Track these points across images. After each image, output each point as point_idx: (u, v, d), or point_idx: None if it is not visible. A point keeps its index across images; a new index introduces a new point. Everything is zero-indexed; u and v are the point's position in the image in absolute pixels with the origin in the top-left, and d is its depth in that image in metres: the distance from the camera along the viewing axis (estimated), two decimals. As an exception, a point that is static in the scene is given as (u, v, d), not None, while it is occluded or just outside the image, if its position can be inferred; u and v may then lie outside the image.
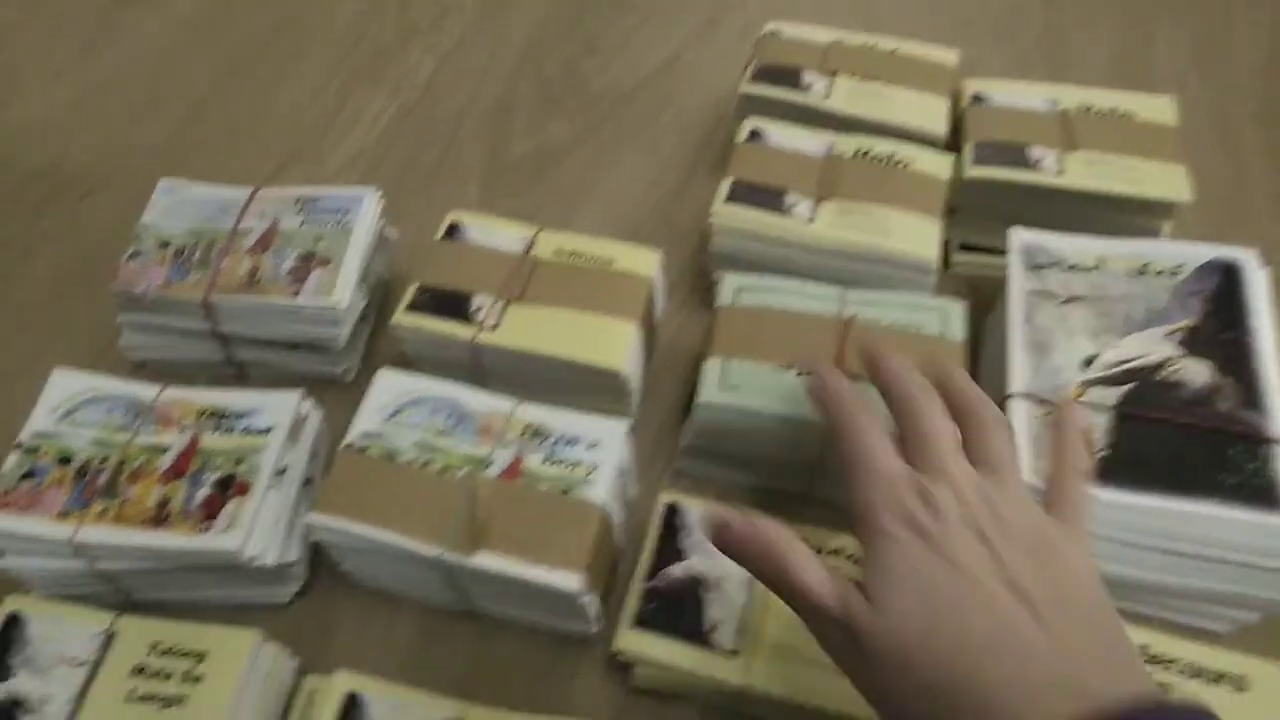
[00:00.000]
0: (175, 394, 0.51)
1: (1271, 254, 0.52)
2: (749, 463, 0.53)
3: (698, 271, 0.64)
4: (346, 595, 0.52)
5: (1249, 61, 0.77)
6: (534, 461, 0.47)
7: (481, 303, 0.54)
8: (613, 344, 0.52)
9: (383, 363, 0.60)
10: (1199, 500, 0.44)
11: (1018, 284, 0.54)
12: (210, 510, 0.46)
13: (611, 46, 0.82)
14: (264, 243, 0.56)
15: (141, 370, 0.59)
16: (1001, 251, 0.61)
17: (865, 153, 0.60)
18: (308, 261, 0.55)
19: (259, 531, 0.46)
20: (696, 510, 0.49)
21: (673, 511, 0.49)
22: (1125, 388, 0.49)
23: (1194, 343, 0.49)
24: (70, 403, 0.50)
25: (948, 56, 0.67)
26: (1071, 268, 0.54)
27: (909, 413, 0.40)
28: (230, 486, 0.47)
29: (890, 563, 0.35)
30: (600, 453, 0.48)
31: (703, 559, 0.47)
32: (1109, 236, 0.54)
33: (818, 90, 0.64)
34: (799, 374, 0.50)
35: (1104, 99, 0.63)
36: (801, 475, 0.53)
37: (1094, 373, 0.50)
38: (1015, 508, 0.37)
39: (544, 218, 0.59)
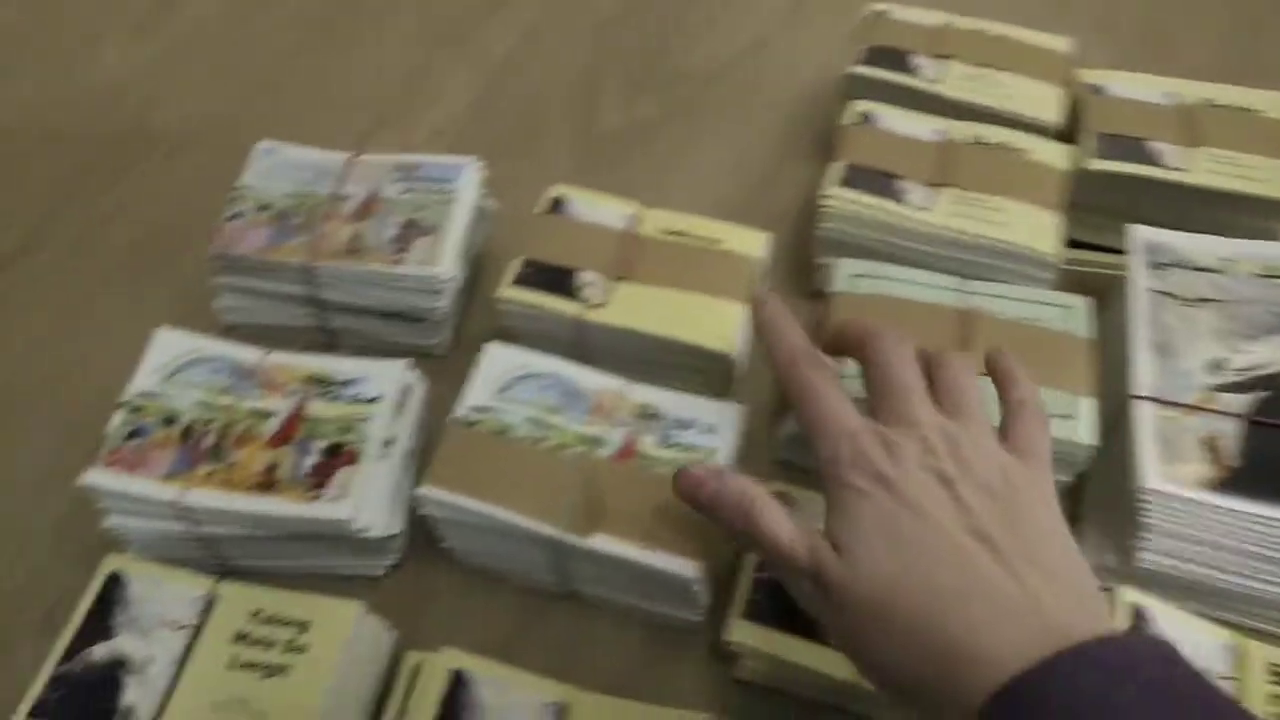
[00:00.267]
0: (279, 359, 0.50)
1: None
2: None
3: (792, 255, 0.62)
4: (441, 571, 0.50)
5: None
6: (648, 443, 0.46)
7: (588, 279, 0.53)
8: (722, 326, 0.51)
9: (473, 337, 0.59)
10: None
11: (1140, 283, 0.52)
12: (319, 478, 0.45)
13: (697, 24, 0.80)
14: (365, 209, 0.55)
15: (231, 334, 0.59)
16: (1106, 249, 0.60)
17: (981, 140, 0.58)
18: (410, 230, 0.54)
19: (368, 502, 0.45)
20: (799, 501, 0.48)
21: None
22: (1255, 395, 0.48)
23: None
24: (174, 363, 0.49)
25: (1059, 44, 0.65)
26: (1196, 268, 0.52)
27: (876, 364, 0.41)
28: (338, 455, 0.46)
29: (855, 514, 0.36)
30: (716, 438, 0.46)
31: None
32: (1225, 236, 0.53)
33: (928, 74, 0.63)
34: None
35: (1227, 94, 0.61)
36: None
37: (1222, 378, 0.48)
38: (979, 450, 0.37)
39: (635, 196, 0.57)
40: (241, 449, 0.46)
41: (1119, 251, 0.60)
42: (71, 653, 0.43)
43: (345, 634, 0.43)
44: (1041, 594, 0.33)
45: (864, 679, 0.37)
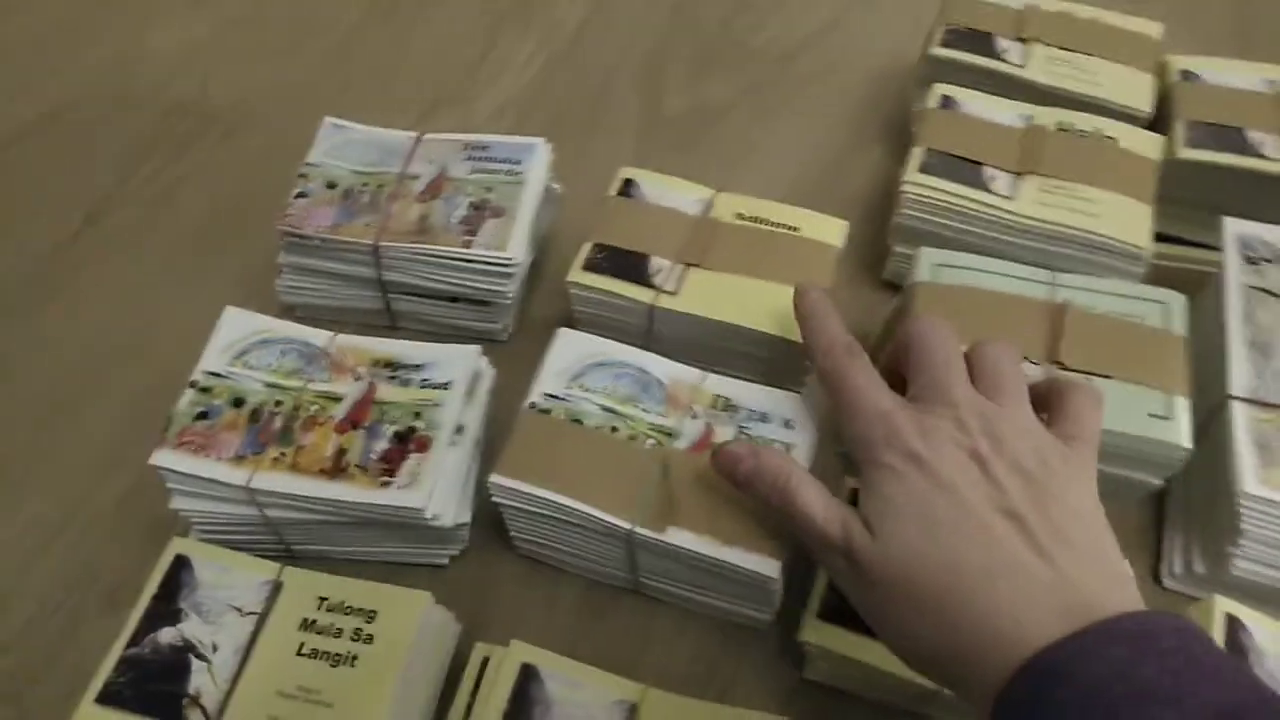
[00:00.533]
0: (348, 341, 0.49)
1: None
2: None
3: (866, 243, 0.60)
4: (504, 561, 0.50)
5: None
6: (725, 436, 0.45)
7: (660, 265, 0.51)
8: (799, 316, 0.49)
9: (534, 321, 0.58)
10: None
11: (1235, 279, 0.50)
12: (389, 465, 0.44)
13: (766, 6, 0.79)
14: (434, 189, 0.54)
15: (288, 315, 0.58)
16: (1193, 242, 0.58)
17: (1069, 127, 0.56)
18: (479, 211, 0.53)
19: (439, 490, 0.44)
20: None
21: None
22: (1360, 399, 0.45)
23: None
24: (243, 343, 0.48)
25: (1151, 28, 0.63)
26: (1296, 264, 0.50)
27: (915, 346, 0.41)
28: (409, 441, 0.45)
29: (887, 492, 0.36)
30: (794, 433, 0.45)
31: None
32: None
33: (1012, 57, 0.60)
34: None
35: (1330, 82, 0.58)
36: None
37: (1325, 381, 0.46)
38: (1014, 430, 0.37)
39: (704, 179, 0.56)
40: (310, 432, 0.45)
41: (1204, 245, 0.57)
42: (139, 636, 0.42)
43: (414, 624, 0.42)
44: (1070, 573, 0.33)
45: (905, 664, 0.37)
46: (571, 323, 0.53)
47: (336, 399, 0.46)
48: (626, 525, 0.42)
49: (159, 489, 0.46)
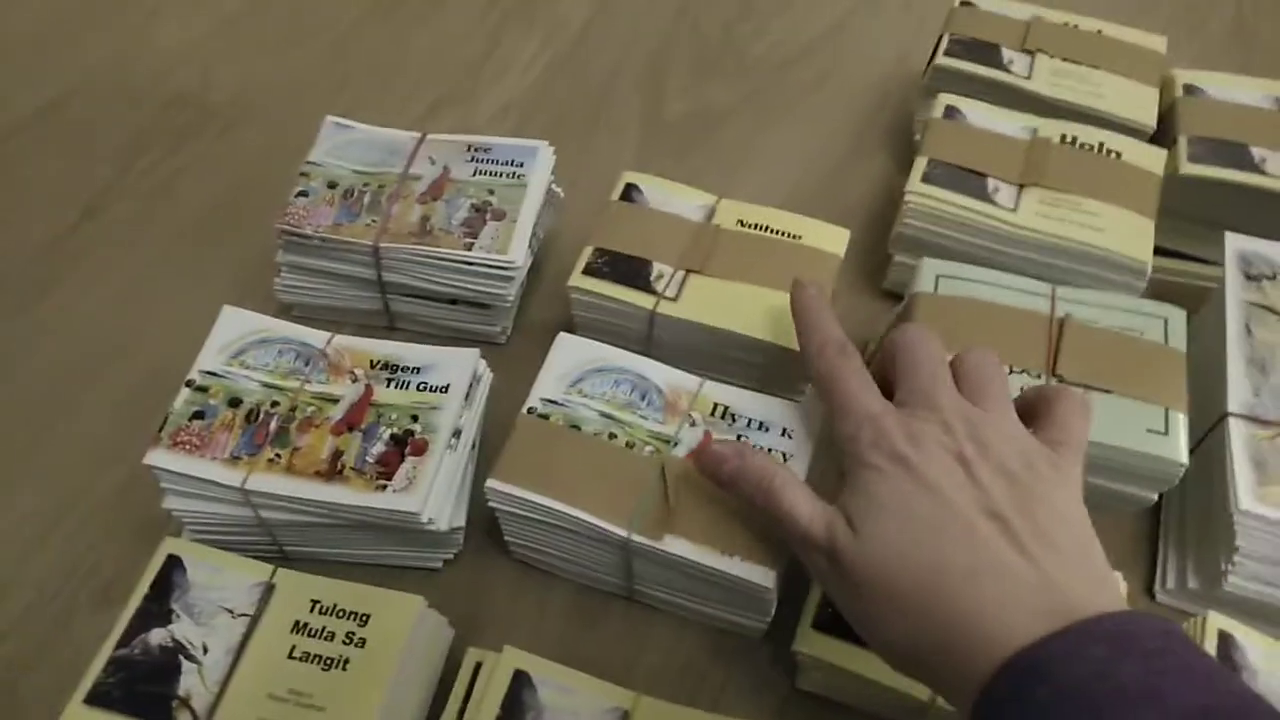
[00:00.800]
0: (345, 342, 0.48)
1: None
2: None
3: (867, 251, 0.60)
4: (497, 566, 0.49)
5: None
6: (723, 444, 0.44)
7: (661, 271, 0.51)
8: (800, 324, 0.49)
9: (531, 324, 0.58)
10: None
11: (1235, 294, 0.50)
12: (386, 468, 0.44)
13: (769, 10, 0.78)
14: (435, 190, 0.53)
15: (285, 314, 0.57)
16: (1194, 257, 0.58)
17: (1073, 139, 0.56)
18: (481, 213, 0.52)
19: (435, 494, 0.44)
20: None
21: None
22: (1361, 420, 0.45)
23: None
24: (240, 343, 0.48)
25: (1156, 41, 0.63)
26: (1297, 281, 0.50)
27: (903, 355, 0.41)
28: (406, 444, 0.44)
29: (872, 492, 0.37)
30: (793, 443, 0.45)
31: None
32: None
33: (1018, 69, 0.60)
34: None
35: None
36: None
37: (1324, 400, 0.46)
38: (999, 434, 0.38)
39: (704, 184, 0.56)
40: (307, 433, 0.45)
41: (1205, 260, 0.57)
42: (129, 636, 0.42)
43: (407, 628, 0.42)
44: (1054, 575, 0.34)
45: (887, 663, 0.37)
46: (570, 326, 0.53)
47: (333, 400, 0.46)
48: (623, 533, 0.42)
49: (155, 484, 0.46)
